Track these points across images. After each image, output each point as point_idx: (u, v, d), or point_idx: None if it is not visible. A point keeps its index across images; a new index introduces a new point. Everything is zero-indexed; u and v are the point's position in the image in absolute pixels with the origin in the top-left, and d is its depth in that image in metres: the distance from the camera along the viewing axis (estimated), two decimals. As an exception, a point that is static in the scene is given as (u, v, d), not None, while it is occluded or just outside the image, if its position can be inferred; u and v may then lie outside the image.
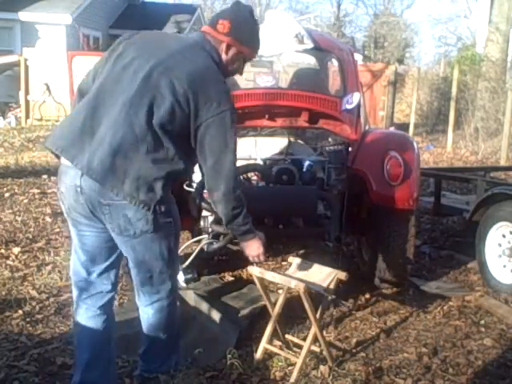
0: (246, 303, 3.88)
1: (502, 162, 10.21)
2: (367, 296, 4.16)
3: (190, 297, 3.85)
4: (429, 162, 10.46)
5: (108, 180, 2.41)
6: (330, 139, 4.40)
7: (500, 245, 4.39)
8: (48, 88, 14.14)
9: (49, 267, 4.40)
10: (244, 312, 3.73)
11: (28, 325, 3.46)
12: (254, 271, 2.99)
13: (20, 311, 3.63)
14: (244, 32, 2.66)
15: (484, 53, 14.26)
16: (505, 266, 4.35)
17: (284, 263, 4.87)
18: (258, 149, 4.10)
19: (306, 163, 4.04)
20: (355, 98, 4.12)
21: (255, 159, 4.03)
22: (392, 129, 12.23)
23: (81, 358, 2.69)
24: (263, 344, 3.14)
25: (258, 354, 3.12)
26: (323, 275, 3.06)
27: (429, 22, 42.22)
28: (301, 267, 3.16)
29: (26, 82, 14.64)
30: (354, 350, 3.29)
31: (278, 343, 3.27)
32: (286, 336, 3.24)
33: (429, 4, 54.72)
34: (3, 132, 12.41)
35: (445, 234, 5.93)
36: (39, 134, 12.17)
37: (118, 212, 2.46)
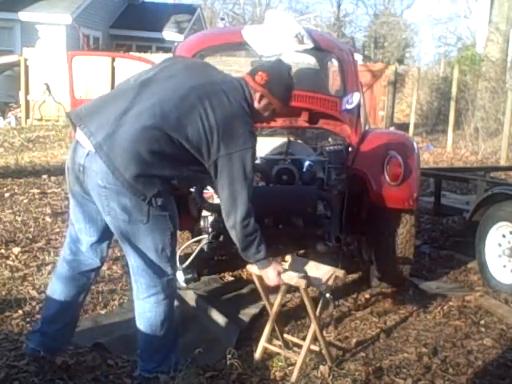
0: (245, 303, 3.89)
1: (502, 162, 10.21)
2: (367, 296, 4.17)
3: (190, 297, 3.86)
4: (429, 162, 10.45)
5: (113, 163, 2.55)
6: (329, 139, 4.40)
7: (500, 245, 4.39)
8: (48, 88, 14.15)
9: (49, 267, 4.40)
10: (244, 312, 3.74)
11: (28, 325, 3.46)
12: (254, 270, 3.00)
13: (20, 311, 3.63)
14: (278, 87, 2.87)
15: (484, 53, 14.26)
16: (505, 266, 4.35)
17: (284, 263, 4.87)
18: (258, 149, 4.10)
19: (306, 163, 4.04)
20: (355, 98, 4.13)
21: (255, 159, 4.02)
22: (392, 129, 12.24)
23: (47, 311, 3.02)
24: (262, 343, 3.14)
25: (258, 354, 3.12)
26: (321, 272, 3.06)
27: (429, 22, 42.21)
28: (298, 265, 3.16)
29: (26, 82, 14.66)
30: (353, 350, 3.29)
31: (278, 343, 3.27)
32: (286, 336, 3.24)
33: (429, 4, 54.73)
34: (3, 132, 12.41)
35: (445, 234, 5.93)
36: (39, 134, 12.18)
37: (113, 197, 2.60)
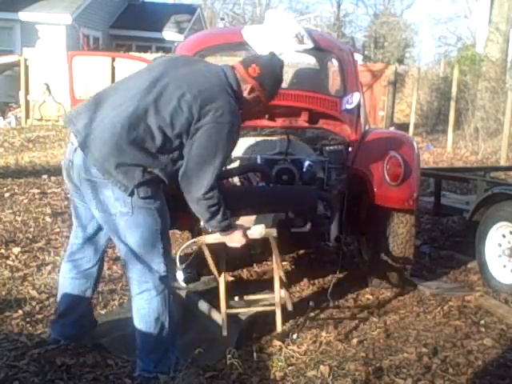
0: (246, 303, 3.88)
1: (502, 162, 10.21)
2: (367, 296, 4.17)
3: (190, 297, 3.85)
4: (429, 162, 10.45)
5: (94, 155, 2.64)
6: (329, 139, 4.40)
7: (500, 245, 4.39)
8: (48, 88, 14.15)
9: (49, 267, 4.40)
10: (244, 312, 3.73)
11: (28, 325, 3.46)
12: (210, 240, 3.06)
13: (20, 311, 3.62)
14: (269, 81, 2.93)
15: (484, 53, 14.26)
16: (505, 266, 4.34)
17: (284, 263, 4.88)
18: (258, 149, 4.10)
19: (306, 163, 4.04)
20: (355, 98, 4.12)
21: (255, 159, 4.03)
22: (392, 129, 12.24)
23: (60, 305, 3.19)
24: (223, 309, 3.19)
25: (222, 313, 3.20)
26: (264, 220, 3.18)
27: (429, 22, 42.29)
28: (246, 222, 3.20)
29: (26, 82, 14.65)
30: (353, 350, 3.29)
31: (278, 343, 3.27)
32: (247, 297, 3.26)
33: (429, 4, 54.76)
34: (3, 132, 12.41)
35: (445, 234, 5.93)
36: (39, 134, 12.18)
37: (97, 189, 2.69)
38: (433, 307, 4.00)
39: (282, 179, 3.91)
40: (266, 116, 4.06)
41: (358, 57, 20.50)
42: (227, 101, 2.73)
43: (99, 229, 3.00)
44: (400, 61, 28.79)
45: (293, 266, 4.73)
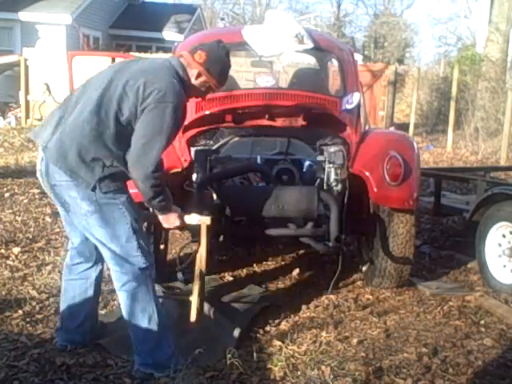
0: (245, 303, 3.89)
1: (502, 162, 10.21)
2: (367, 296, 4.17)
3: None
4: (429, 162, 10.46)
5: (55, 158, 2.76)
6: (329, 139, 4.40)
7: (500, 245, 4.38)
8: (48, 88, 14.13)
9: (49, 267, 4.41)
10: (244, 312, 3.73)
11: (28, 325, 3.46)
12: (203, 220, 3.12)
13: (20, 311, 3.63)
14: (216, 67, 3.01)
15: (484, 53, 14.26)
16: (505, 266, 4.34)
17: (284, 263, 4.88)
18: (258, 149, 4.10)
19: (306, 163, 4.04)
20: (355, 98, 4.13)
21: (255, 159, 4.03)
22: (392, 129, 12.24)
23: (63, 309, 3.19)
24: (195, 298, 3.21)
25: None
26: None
27: (429, 22, 42.33)
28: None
29: (26, 82, 14.63)
30: (353, 350, 3.29)
31: (278, 343, 3.27)
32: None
33: (429, 4, 54.79)
34: (3, 132, 12.40)
35: (445, 234, 5.93)
36: (39, 134, 12.14)
37: (64, 192, 2.82)
38: (433, 307, 4.00)
39: (282, 179, 3.91)
40: (266, 116, 4.06)
41: (358, 57, 20.51)
42: (170, 81, 2.81)
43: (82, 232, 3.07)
44: (400, 61, 28.80)
45: (293, 266, 4.73)
